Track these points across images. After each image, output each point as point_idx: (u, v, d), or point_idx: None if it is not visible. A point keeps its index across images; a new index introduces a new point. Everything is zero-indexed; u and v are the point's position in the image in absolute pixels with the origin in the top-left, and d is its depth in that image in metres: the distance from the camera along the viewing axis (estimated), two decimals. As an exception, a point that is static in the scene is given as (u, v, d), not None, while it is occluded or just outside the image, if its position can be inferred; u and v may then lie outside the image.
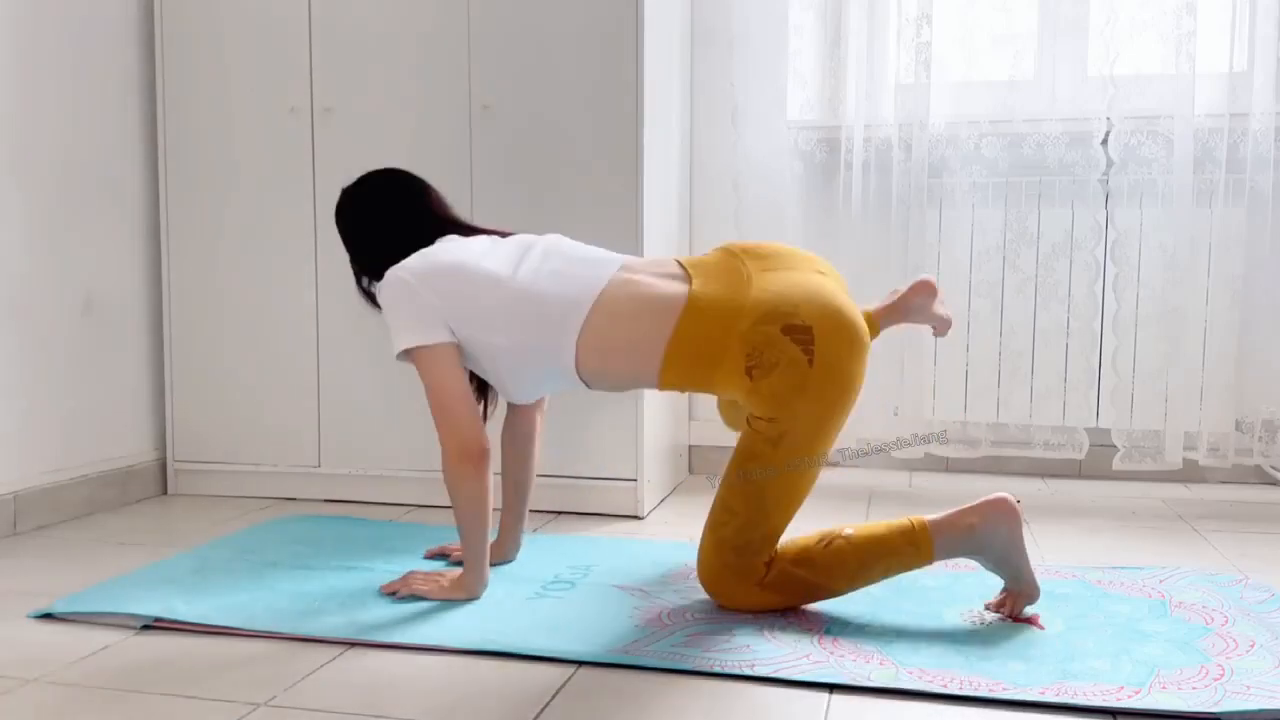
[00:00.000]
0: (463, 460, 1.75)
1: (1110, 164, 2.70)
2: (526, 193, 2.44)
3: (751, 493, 1.69)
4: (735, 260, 1.76)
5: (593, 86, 2.39)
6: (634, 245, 2.37)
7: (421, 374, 1.78)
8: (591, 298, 1.74)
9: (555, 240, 1.88)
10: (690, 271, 1.76)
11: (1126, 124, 2.68)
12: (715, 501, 1.74)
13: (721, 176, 2.94)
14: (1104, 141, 2.70)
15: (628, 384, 1.81)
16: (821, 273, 1.77)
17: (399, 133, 2.51)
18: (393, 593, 1.81)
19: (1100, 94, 2.70)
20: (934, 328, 1.96)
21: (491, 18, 2.44)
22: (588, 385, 1.81)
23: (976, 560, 1.72)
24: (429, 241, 1.89)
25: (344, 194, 1.98)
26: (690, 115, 2.94)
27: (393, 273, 1.80)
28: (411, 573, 1.86)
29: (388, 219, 1.92)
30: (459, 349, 1.79)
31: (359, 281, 1.98)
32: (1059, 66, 2.78)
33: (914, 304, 1.90)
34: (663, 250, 2.60)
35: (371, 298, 1.95)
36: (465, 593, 1.79)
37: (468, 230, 1.94)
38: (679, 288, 1.73)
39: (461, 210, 2.45)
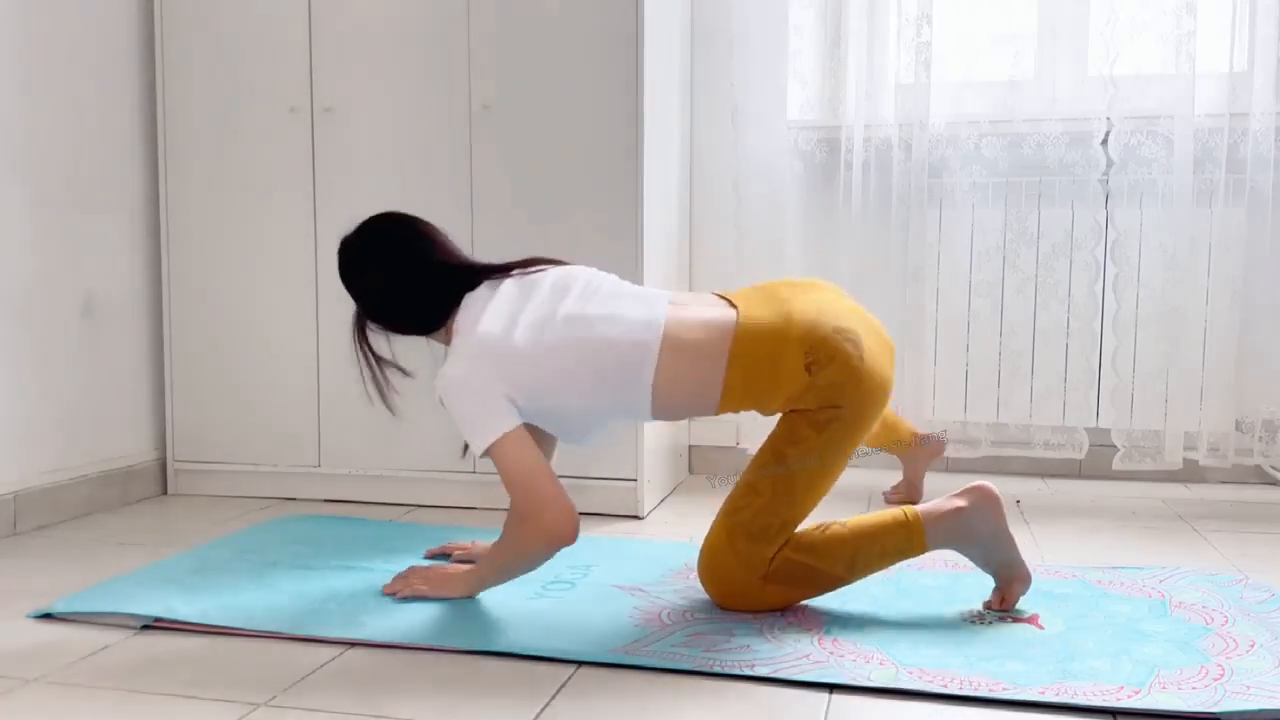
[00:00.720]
0: (552, 543, 1.70)
1: (1110, 164, 2.70)
2: (526, 192, 2.44)
3: (782, 476, 1.71)
4: (769, 287, 1.84)
5: (593, 86, 2.39)
6: (634, 245, 2.37)
7: (498, 460, 1.70)
8: (659, 337, 1.73)
9: (589, 277, 1.83)
10: (731, 299, 1.81)
11: (1126, 124, 2.68)
12: (738, 486, 1.76)
13: (721, 176, 2.94)
14: (1104, 141, 2.70)
15: (692, 411, 1.81)
16: (841, 295, 1.86)
17: (399, 133, 2.51)
18: (393, 593, 1.81)
19: (1100, 94, 2.70)
20: (904, 488, 2.50)
21: (491, 18, 2.44)
22: (652, 419, 1.82)
23: (968, 552, 1.74)
24: (451, 295, 1.81)
25: (347, 249, 1.86)
26: (690, 115, 2.94)
27: (448, 373, 1.72)
28: (412, 569, 1.86)
29: (402, 277, 1.82)
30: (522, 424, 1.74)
31: (361, 330, 1.86)
32: (1059, 66, 2.78)
33: (920, 455, 2.47)
34: (663, 250, 2.60)
35: (366, 347, 1.86)
36: (465, 588, 1.79)
37: (486, 272, 1.83)
38: (728, 311, 1.77)
39: (461, 210, 2.46)
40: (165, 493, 2.71)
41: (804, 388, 1.70)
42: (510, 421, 1.70)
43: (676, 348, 1.73)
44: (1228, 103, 2.64)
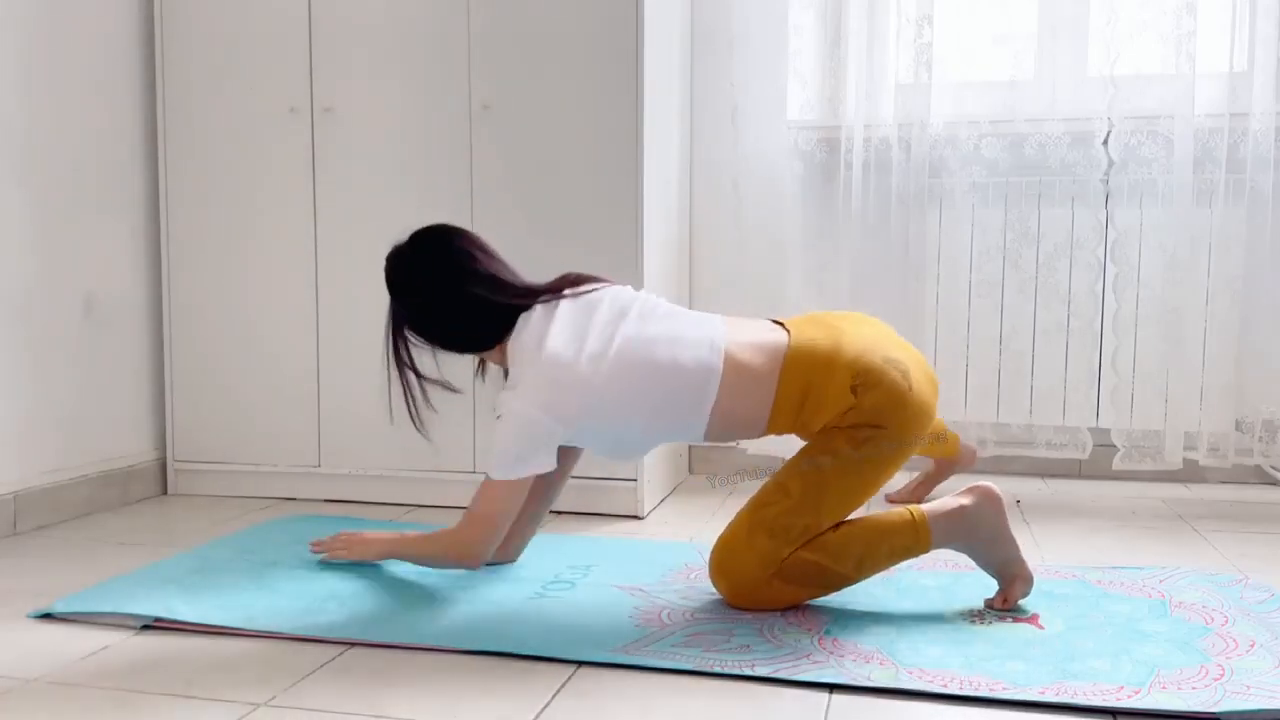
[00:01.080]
0: (459, 565, 1.87)
1: (1111, 164, 2.70)
2: (526, 193, 2.44)
3: (814, 480, 1.72)
4: (821, 316, 1.86)
5: (593, 86, 2.39)
6: (634, 245, 2.37)
7: (492, 491, 1.76)
8: (721, 358, 1.75)
9: (643, 298, 1.85)
10: (783, 323, 1.83)
11: (1127, 124, 2.68)
12: (767, 484, 1.77)
13: (721, 176, 2.94)
14: (1104, 142, 2.70)
15: (742, 433, 1.82)
16: (890, 330, 1.87)
17: (399, 133, 2.51)
18: (319, 551, 1.98)
19: (1100, 94, 2.69)
20: (912, 485, 2.54)
21: (491, 18, 2.44)
22: (704, 440, 1.83)
23: (970, 551, 1.75)
24: (506, 315, 1.80)
25: (398, 259, 1.83)
26: (690, 115, 2.94)
27: (514, 406, 1.73)
28: (340, 532, 1.99)
29: (459, 294, 1.80)
30: None
31: (397, 345, 1.83)
32: (1059, 66, 2.78)
33: (958, 459, 2.53)
34: (663, 251, 2.60)
35: (405, 362, 1.83)
36: (377, 555, 1.94)
37: (539, 293, 1.83)
38: (780, 334, 1.79)
39: (461, 210, 2.46)
40: (165, 493, 2.71)
41: (847, 408, 1.72)
42: (537, 470, 1.76)
43: (736, 369, 1.75)
44: (1228, 103, 2.64)
